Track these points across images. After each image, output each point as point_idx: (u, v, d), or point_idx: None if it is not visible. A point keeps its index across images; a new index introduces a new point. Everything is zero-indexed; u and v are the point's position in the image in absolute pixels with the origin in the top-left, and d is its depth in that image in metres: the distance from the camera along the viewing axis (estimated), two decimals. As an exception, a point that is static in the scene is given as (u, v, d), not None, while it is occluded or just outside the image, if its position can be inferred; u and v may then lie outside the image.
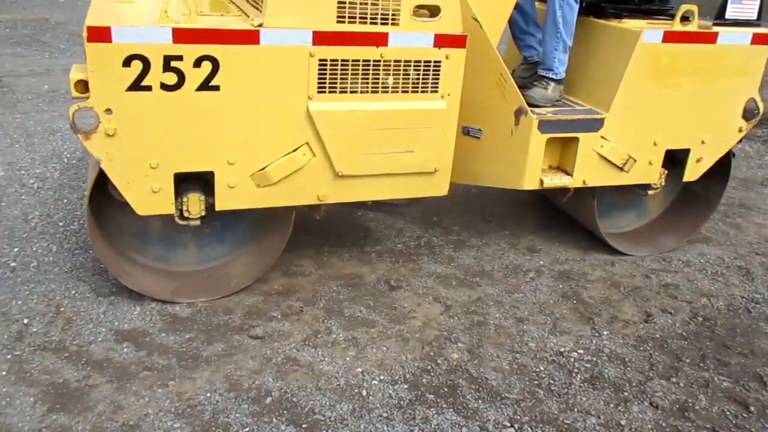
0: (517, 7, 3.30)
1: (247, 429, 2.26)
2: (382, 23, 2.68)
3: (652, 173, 3.40)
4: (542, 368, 2.69)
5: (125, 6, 2.70)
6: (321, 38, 2.60)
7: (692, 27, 3.19)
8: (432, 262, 3.44)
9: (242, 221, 3.07)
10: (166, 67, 2.44)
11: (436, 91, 2.86)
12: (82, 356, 2.55)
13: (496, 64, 3.00)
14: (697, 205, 3.80)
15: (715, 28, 3.25)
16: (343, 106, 2.73)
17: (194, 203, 2.75)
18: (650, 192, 3.54)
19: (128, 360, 2.55)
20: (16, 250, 3.22)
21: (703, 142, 3.43)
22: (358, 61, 2.69)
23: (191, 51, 2.45)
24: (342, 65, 2.67)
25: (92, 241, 2.74)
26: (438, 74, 2.83)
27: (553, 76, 3.29)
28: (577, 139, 3.16)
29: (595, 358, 2.78)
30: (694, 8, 3.21)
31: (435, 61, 2.80)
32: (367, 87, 2.75)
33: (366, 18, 2.65)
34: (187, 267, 3.05)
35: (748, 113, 3.47)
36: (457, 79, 2.87)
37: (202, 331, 2.75)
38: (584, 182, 3.28)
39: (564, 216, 3.85)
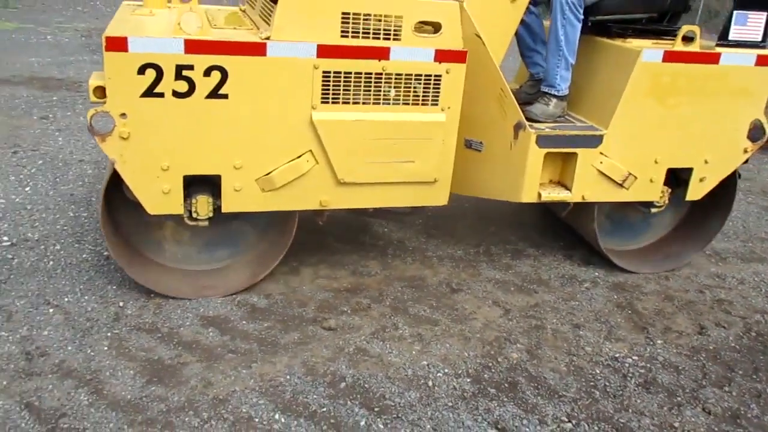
0: (525, 25, 3.45)
1: (324, 409, 2.46)
2: (384, 38, 2.82)
3: (654, 191, 3.44)
4: (598, 371, 2.83)
5: (146, 18, 2.92)
6: (325, 51, 2.75)
7: (694, 47, 3.22)
8: (491, 269, 3.61)
9: (251, 224, 3.22)
10: (178, 76, 2.61)
11: (437, 104, 2.98)
12: (173, 337, 2.80)
13: (497, 79, 3.09)
14: (702, 226, 3.80)
15: (718, 49, 3.28)
16: (345, 116, 2.86)
17: (203, 205, 2.90)
18: (653, 210, 3.58)
19: (214, 343, 2.79)
20: (104, 242, 3.51)
21: (706, 162, 3.43)
22: (361, 73, 2.83)
23: (201, 61, 2.61)
24: (345, 77, 2.81)
25: (104, 233, 2.88)
26: (438, 88, 2.95)
27: (556, 93, 3.37)
28: (575, 154, 3.22)
29: (649, 365, 2.90)
30: (696, 29, 3.24)
31: (436, 75, 2.93)
32: (369, 98, 2.89)
33: (369, 33, 2.80)
34: (200, 266, 3.21)
35: (754, 134, 3.45)
36: (457, 93, 2.99)
37: (279, 321, 2.98)
38: (583, 197, 3.32)
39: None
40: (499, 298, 3.33)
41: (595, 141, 3.24)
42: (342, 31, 2.76)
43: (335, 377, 2.64)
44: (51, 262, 3.26)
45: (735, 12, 3.31)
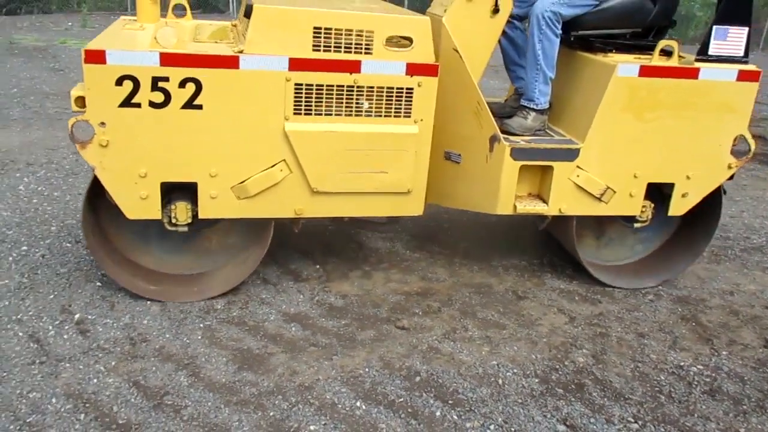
0: (509, 39, 3.54)
1: (401, 399, 2.63)
2: (356, 52, 2.90)
3: (634, 206, 3.43)
4: (663, 378, 2.91)
5: (135, 32, 3.00)
6: (296, 64, 2.84)
7: (672, 62, 3.22)
8: (555, 279, 3.73)
9: (232, 232, 3.31)
10: (154, 87, 2.72)
11: (409, 116, 3.04)
12: (259, 330, 3.02)
13: (473, 93, 3.17)
14: (687, 244, 3.77)
15: (698, 64, 3.25)
16: (317, 127, 2.94)
17: (181, 211, 3.01)
18: (637, 225, 3.57)
19: (297, 337, 3.00)
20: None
21: (688, 178, 3.40)
22: (333, 86, 2.91)
23: (176, 73, 2.72)
24: (317, 89, 2.89)
25: (85, 235, 3.03)
26: (411, 100, 3.02)
27: (534, 107, 3.40)
28: (552, 167, 3.25)
29: (714, 374, 2.97)
30: (674, 43, 3.24)
31: (407, 88, 2.99)
32: (342, 110, 2.96)
33: (340, 47, 2.89)
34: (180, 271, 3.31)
35: (738, 150, 3.40)
36: (429, 106, 3.05)
37: (355, 319, 3.17)
38: (560, 211, 3.33)
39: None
40: (564, 306, 3.45)
41: (570, 154, 3.26)
42: (314, 45, 2.86)
43: (410, 372, 2.81)
44: (145, 260, 3.55)
45: (714, 27, 3.28)
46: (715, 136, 3.37)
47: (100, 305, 3.10)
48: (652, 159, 3.34)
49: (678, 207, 3.49)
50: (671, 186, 3.43)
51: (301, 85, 2.87)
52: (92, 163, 2.80)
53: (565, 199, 3.31)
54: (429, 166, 3.36)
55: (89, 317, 3.00)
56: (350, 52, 2.90)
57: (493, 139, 3.21)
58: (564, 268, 3.86)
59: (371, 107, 2.98)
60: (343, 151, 3.00)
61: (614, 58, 3.28)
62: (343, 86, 2.92)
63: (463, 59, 3.13)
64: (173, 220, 3.04)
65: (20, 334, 2.84)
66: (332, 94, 2.93)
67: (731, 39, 3.29)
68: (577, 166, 3.27)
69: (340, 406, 2.56)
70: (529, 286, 3.62)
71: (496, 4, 3.20)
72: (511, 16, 3.37)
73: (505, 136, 3.26)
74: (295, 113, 2.91)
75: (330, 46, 2.87)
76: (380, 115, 3.02)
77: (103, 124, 2.73)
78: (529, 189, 3.38)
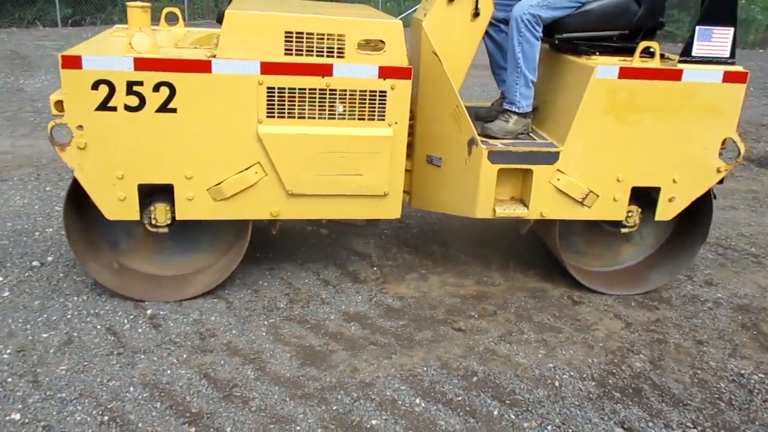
0: (495, 43, 3.51)
1: (459, 398, 2.70)
2: (328, 55, 2.93)
3: (618, 210, 3.36)
4: (722, 385, 2.90)
5: (122, 39, 3.01)
6: (268, 68, 2.87)
7: (654, 63, 3.16)
8: (611, 285, 3.73)
9: (209, 233, 3.35)
10: (129, 91, 2.79)
11: (383, 119, 3.05)
12: (320, 329, 3.13)
13: (452, 96, 3.18)
14: (678, 250, 3.68)
15: (681, 65, 3.18)
16: (290, 130, 2.97)
17: (161, 212, 3.07)
18: (624, 230, 3.50)
19: (356, 335, 3.09)
20: (255, 243, 3.93)
21: (674, 181, 3.33)
22: (305, 89, 2.94)
23: (150, 77, 2.79)
24: (289, 93, 2.93)
25: (68, 236, 3.09)
26: (384, 103, 3.03)
27: (516, 110, 3.37)
28: (531, 171, 3.23)
29: (776, 383, 2.94)
30: (656, 44, 3.17)
31: (381, 91, 3.00)
32: (314, 113, 2.99)
33: (312, 51, 2.91)
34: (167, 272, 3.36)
35: (727, 154, 3.32)
36: (403, 109, 3.05)
37: (412, 320, 3.25)
38: (542, 215, 3.30)
39: (742, 254, 3.95)
40: (620, 312, 3.45)
41: (550, 158, 3.22)
42: (286, 49, 2.89)
43: (467, 372, 2.87)
44: (211, 260, 3.71)
45: (697, 27, 3.19)
46: (701, 139, 3.28)
47: (170, 302, 3.26)
48: (636, 162, 3.28)
49: (665, 212, 3.41)
50: (657, 190, 3.36)
51: (274, 88, 2.91)
52: (71, 165, 2.88)
53: (546, 203, 3.29)
54: (412, 170, 3.45)
55: (160, 313, 3.16)
56: (322, 55, 2.93)
57: (471, 143, 3.22)
58: (620, 274, 3.86)
59: (345, 110, 3.01)
60: (317, 153, 3.03)
61: (597, 60, 3.23)
62: (315, 89, 2.95)
63: (441, 62, 3.16)
64: (153, 222, 3.10)
65: (98, 327, 3.02)
66: (305, 98, 2.96)
67: (716, 39, 3.19)
68: (558, 170, 3.24)
69: (399, 402, 2.64)
70: (584, 291, 3.63)
71: (476, 8, 3.22)
72: (496, 20, 3.39)
73: (484, 139, 3.26)
74: (268, 116, 2.95)
75: (302, 50, 2.91)
76: (354, 118, 3.03)
77: (80, 127, 2.82)
78: (512, 193, 3.37)
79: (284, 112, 2.96)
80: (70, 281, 3.37)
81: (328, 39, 2.91)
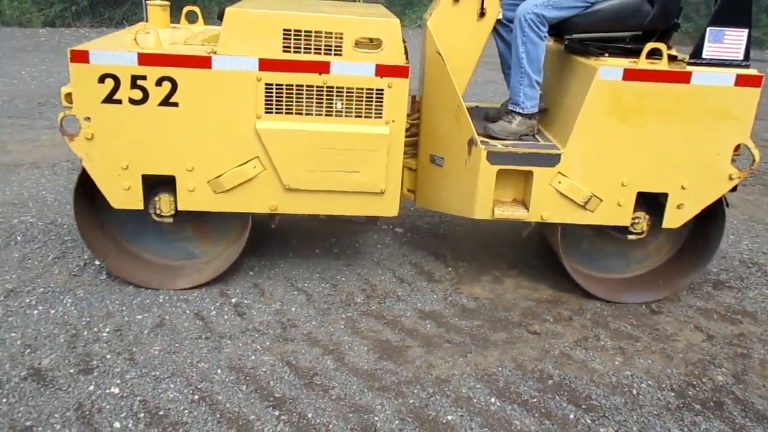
0: (505, 43, 3.42)
1: (535, 399, 2.71)
2: (325, 53, 2.96)
3: (623, 215, 3.26)
4: (811, 404, 2.80)
5: (139, 36, 3.03)
6: (266, 65, 2.93)
7: (662, 65, 3.05)
8: (691, 296, 3.64)
9: (220, 225, 3.42)
10: (133, 85, 2.89)
11: (380, 117, 3.06)
12: (397, 325, 3.20)
13: (454, 95, 3.16)
14: (689, 259, 3.55)
15: (690, 68, 3.06)
16: (288, 126, 3.01)
17: (165, 203, 3.16)
18: (631, 237, 3.38)
19: (432, 333, 3.15)
20: (333, 239, 4.05)
21: (683, 188, 3.20)
22: (302, 86, 2.98)
23: (153, 72, 2.89)
24: (287, 89, 2.98)
25: (78, 225, 3.21)
26: (381, 101, 3.03)
27: (520, 111, 3.31)
28: (531, 172, 3.17)
29: None
30: (663, 46, 3.06)
31: (377, 89, 3.01)
32: (312, 109, 3.02)
33: (310, 48, 2.95)
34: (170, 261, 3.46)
35: (740, 160, 3.18)
36: (400, 107, 3.05)
37: (487, 321, 3.28)
38: (542, 218, 3.23)
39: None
40: (702, 323, 3.37)
41: (551, 160, 3.16)
42: (284, 47, 2.95)
43: (543, 374, 2.88)
44: (291, 253, 3.84)
45: (708, 28, 3.06)
46: (711, 145, 3.16)
47: (253, 292, 3.41)
48: (642, 167, 3.18)
49: (673, 219, 3.29)
50: (665, 196, 3.26)
51: (272, 84, 2.97)
52: (80, 155, 3.01)
53: (546, 206, 3.23)
54: (417, 170, 3.46)
55: (244, 301, 3.30)
56: (320, 53, 2.97)
57: (471, 143, 3.20)
58: (701, 285, 3.77)
59: (342, 107, 3.03)
60: (314, 149, 3.06)
61: (601, 61, 3.16)
62: (312, 86, 2.99)
63: (444, 62, 3.16)
64: (158, 212, 3.21)
65: (187, 311, 3.18)
66: (302, 94, 3.00)
67: (728, 41, 3.07)
68: (559, 172, 3.17)
69: (475, 400, 2.68)
70: (663, 301, 3.56)
71: (482, 8, 3.20)
72: (507, 20, 3.35)
73: (485, 139, 3.23)
74: (266, 112, 3.00)
75: (300, 48, 2.96)
76: (351, 116, 3.06)
77: (88, 118, 2.94)
78: (514, 195, 3.33)
79: (282, 109, 3.01)
80: (161, 268, 3.56)
81: (326, 37, 2.96)
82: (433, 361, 2.92)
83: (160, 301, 3.25)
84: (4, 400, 2.50)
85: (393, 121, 3.08)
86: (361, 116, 3.06)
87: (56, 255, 3.58)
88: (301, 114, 3.03)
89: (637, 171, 3.19)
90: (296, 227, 4.16)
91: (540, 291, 3.61)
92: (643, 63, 3.07)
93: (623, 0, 3.24)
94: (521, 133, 3.33)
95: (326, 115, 3.04)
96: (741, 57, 3.09)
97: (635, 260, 3.64)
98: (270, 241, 3.96)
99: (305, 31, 2.94)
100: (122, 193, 3.08)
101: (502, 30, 3.48)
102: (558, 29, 3.32)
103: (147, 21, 3.69)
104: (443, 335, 3.13)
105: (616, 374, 2.91)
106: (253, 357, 2.86)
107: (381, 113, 3.06)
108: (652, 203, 3.31)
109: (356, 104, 3.04)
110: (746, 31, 3.05)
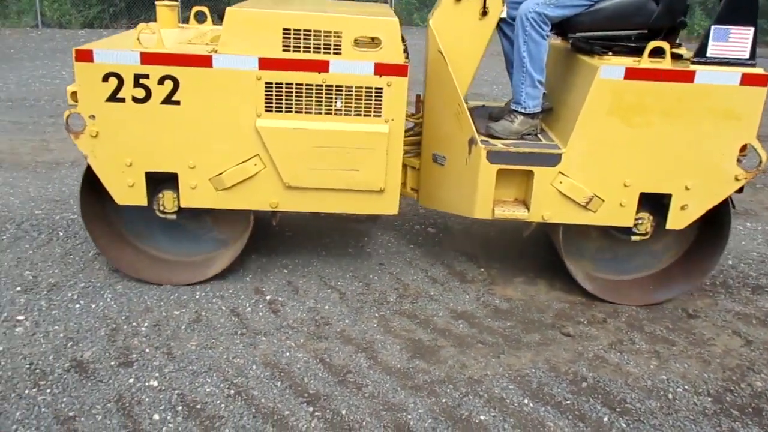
0: (511, 42, 3.37)
1: (568, 402, 2.70)
2: (324, 52, 2.98)
3: (626, 216, 3.22)
4: None
5: (145, 36, 3.04)
6: (266, 64, 2.95)
7: (665, 64, 2.99)
8: (729, 301, 3.58)
9: (221, 222, 3.44)
10: (136, 84, 2.94)
11: (380, 116, 3.06)
12: (429, 324, 3.21)
13: (455, 94, 3.15)
14: (694, 262, 3.49)
15: (693, 67, 3.00)
16: (288, 124, 3.03)
17: (168, 200, 3.22)
18: (634, 238, 3.34)
19: (464, 333, 3.15)
20: (366, 239, 4.08)
21: (687, 188, 3.15)
22: (302, 84, 3.00)
23: (156, 71, 2.93)
24: (287, 88, 3.00)
25: (84, 222, 3.28)
26: (380, 100, 3.04)
27: (522, 110, 3.28)
28: (532, 172, 3.14)
29: None
30: (666, 45, 3.00)
31: (377, 88, 3.02)
32: (311, 108, 3.04)
33: (309, 47, 2.97)
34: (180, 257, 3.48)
35: (746, 161, 3.10)
36: (399, 106, 3.05)
37: (520, 322, 3.27)
38: (543, 218, 3.21)
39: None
40: (740, 329, 3.32)
41: (551, 159, 3.13)
42: (284, 46, 2.97)
43: (576, 377, 2.86)
44: (324, 252, 3.88)
45: (713, 27, 3.01)
46: (716, 145, 3.10)
47: (287, 289, 3.45)
48: (644, 167, 3.14)
49: (677, 220, 3.24)
50: (669, 197, 3.21)
51: (272, 83, 2.99)
52: (85, 152, 3.06)
53: (548, 206, 3.21)
54: (420, 169, 3.47)
55: (279, 299, 3.35)
56: (319, 52, 2.99)
57: (471, 142, 3.19)
58: (739, 289, 3.71)
59: (342, 106, 3.05)
60: (313, 148, 3.08)
61: (604, 60, 3.12)
62: (312, 85, 3.01)
63: (446, 61, 3.16)
64: (162, 208, 3.26)
65: (223, 308, 3.24)
66: (302, 93, 3.02)
67: (734, 40, 3.01)
68: (560, 172, 3.15)
69: (508, 401, 2.68)
70: (700, 305, 3.51)
71: (485, 7, 3.18)
72: (512, 18, 3.31)
73: (486, 139, 3.22)
74: (266, 110, 3.03)
75: (299, 47, 2.98)
76: (350, 114, 3.07)
77: (92, 116, 2.99)
78: (516, 194, 3.32)
79: (282, 107, 3.04)
80: (197, 265, 3.62)
81: (325, 36, 2.97)
82: (466, 361, 2.92)
83: (197, 297, 3.31)
84: (48, 390, 2.58)
85: (392, 119, 3.09)
86: (360, 115, 3.07)
87: (97, 251, 3.66)
88: (301, 112, 3.06)
89: (640, 171, 3.16)
90: (329, 227, 4.20)
91: (573, 293, 3.58)
92: (645, 62, 3.04)
93: None
94: (523, 132, 3.32)
95: (326, 113, 3.07)
96: (747, 55, 3.04)
97: (640, 260, 3.59)
98: (303, 239, 4.00)
99: (304, 30, 2.97)
100: (126, 189, 3.13)
101: (506, 29, 3.47)
102: (561, 28, 3.31)
103: (157, 21, 3.76)
104: (476, 335, 3.13)
105: (652, 378, 2.87)
106: (287, 353, 2.90)
107: (380, 112, 3.07)
108: (656, 204, 3.28)
109: (355, 103, 3.06)
110: (752, 29, 3.02)
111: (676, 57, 3.15)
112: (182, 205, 3.22)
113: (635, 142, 3.11)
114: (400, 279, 3.62)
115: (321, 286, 3.49)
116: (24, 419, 2.43)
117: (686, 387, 2.83)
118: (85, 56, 2.93)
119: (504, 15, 3.30)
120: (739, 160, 3.15)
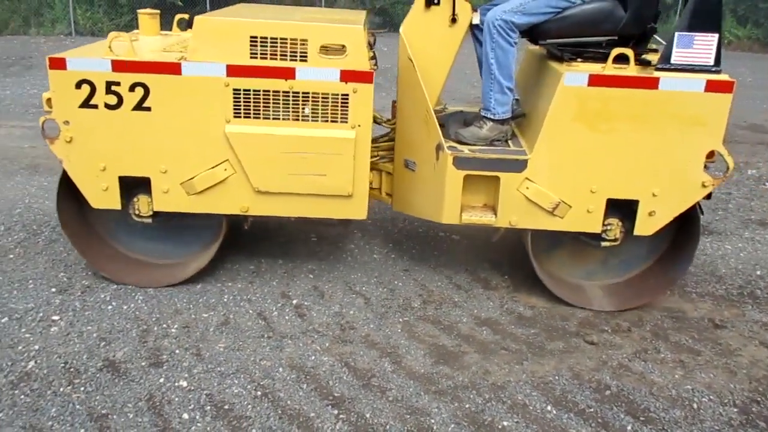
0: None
1: (591, 410, 2.70)
2: (291, 59, 3.04)
3: (593, 222, 3.24)
4: None
5: (122, 44, 3.12)
6: (234, 71, 3.02)
7: (629, 71, 2.99)
8: (757, 311, 3.55)
9: (195, 226, 3.49)
10: (108, 90, 3.02)
11: (346, 122, 3.11)
12: (453, 330, 3.24)
13: (423, 101, 3.20)
14: (664, 267, 3.49)
15: (658, 73, 3.01)
16: (256, 130, 3.09)
17: (143, 204, 3.30)
18: (604, 244, 3.36)
19: (488, 340, 3.17)
20: (391, 245, 4.12)
21: (654, 195, 3.16)
22: (269, 91, 3.06)
23: (126, 78, 3.01)
24: (254, 94, 3.06)
25: (62, 226, 3.35)
26: (347, 106, 3.08)
27: (491, 116, 3.30)
28: (498, 178, 3.17)
29: None
30: (630, 51, 3.00)
31: (343, 95, 3.07)
32: (279, 114, 3.10)
33: (276, 55, 3.04)
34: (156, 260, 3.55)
35: (713, 167, 3.12)
36: (366, 112, 3.10)
37: (544, 330, 3.28)
38: (510, 223, 3.24)
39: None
40: (767, 339, 3.29)
41: (517, 165, 3.16)
42: (251, 53, 3.04)
43: (600, 385, 2.86)
44: (349, 258, 3.93)
45: (677, 33, 3.01)
46: (682, 152, 3.11)
47: (313, 294, 3.50)
48: (611, 173, 3.16)
49: (645, 226, 3.25)
50: (637, 203, 3.22)
51: (239, 90, 3.06)
52: (60, 157, 3.15)
53: (515, 211, 3.25)
54: (394, 174, 3.55)
55: (305, 303, 3.40)
56: (286, 59, 3.05)
57: (438, 148, 3.23)
58: (767, 300, 3.67)
59: (309, 112, 3.11)
60: (281, 153, 3.13)
61: (573, 67, 3.14)
62: (279, 92, 3.08)
63: (415, 68, 3.22)
64: (137, 212, 3.34)
65: (250, 311, 3.30)
66: (269, 99, 3.09)
67: (698, 46, 3.02)
68: (526, 178, 3.18)
69: (531, 407, 2.70)
70: (726, 315, 3.49)
71: (454, 14, 3.24)
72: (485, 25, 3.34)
73: (453, 145, 3.27)
74: (235, 116, 3.10)
75: (266, 54, 3.05)
76: (317, 120, 3.13)
77: (66, 122, 3.08)
78: (485, 200, 3.34)
79: (250, 113, 3.11)
80: (226, 268, 3.70)
81: (291, 43, 3.04)
82: (489, 368, 2.95)
83: (225, 300, 3.38)
84: (82, 388, 2.66)
85: (359, 125, 3.14)
86: (327, 121, 3.14)
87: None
88: (269, 118, 3.13)
89: (606, 177, 3.18)
90: (354, 233, 4.25)
91: (598, 301, 3.58)
92: (609, 69, 3.06)
93: (595, 5, 3.24)
94: (492, 138, 3.36)
95: (293, 119, 3.13)
96: (711, 62, 3.05)
97: (612, 265, 3.60)
98: (329, 245, 4.06)
99: (271, 38, 3.04)
100: (101, 193, 3.21)
101: (479, 34, 3.48)
102: (531, 35, 3.34)
103: (138, 29, 3.91)
104: (499, 342, 3.15)
105: (676, 387, 2.87)
106: (313, 357, 2.95)
107: (347, 118, 3.13)
108: (625, 210, 3.29)
109: (322, 109, 3.12)
110: (717, 36, 3.02)
111: (644, 63, 3.18)
112: (156, 209, 3.30)
113: (601, 148, 3.13)
114: (425, 285, 3.66)
115: (346, 291, 3.53)
116: (59, 416, 2.51)
117: (711, 397, 2.82)
118: (59, 64, 3.02)
119: (476, 21, 3.36)
120: (706, 167, 3.17)
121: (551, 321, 3.36)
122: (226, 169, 3.18)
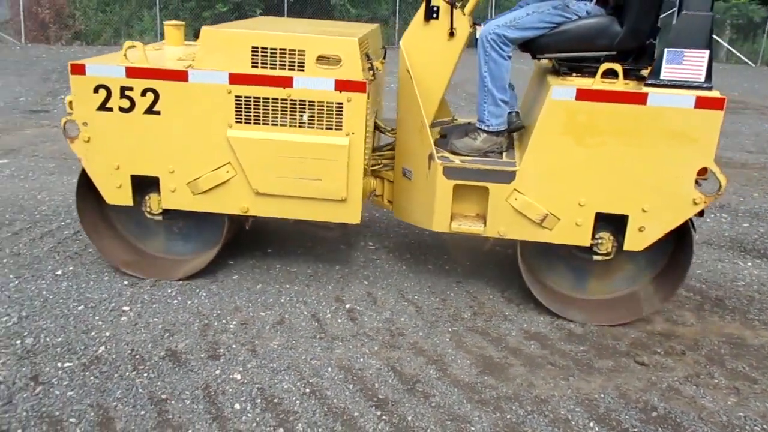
0: None
1: (636, 429, 2.68)
2: (289, 69, 3.19)
3: (582, 235, 3.24)
4: None
5: (150, 53, 3.35)
6: (236, 79, 3.19)
7: (618, 86, 2.99)
8: (823, 342, 3.41)
9: (202, 226, 3.64)
10: (122, 95, 3.23)
11: (341, 129, 3.23)
12: (501, 342, 3.27)
13: (418, 112, 3.30)
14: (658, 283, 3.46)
15: (646, 89, 2.99)
16: (256, 135, 3.26)
17: (154, 202, 3.51)
18: (596, 258, 3.36)
19: (535, 354, 3.19)
20: (445, 257, 4.18)
21: (644, 210, 3.13)
22: (268, 98, 3.21)
23: (139, 84, 3.21)
24: (255, 101, 3.22)
25: (80, 217, 3.57)
26: (341, 114, 3.20)
27: (485, 128, 3.36)
28: (487, 188, 3.22)
29: None
30: (618, 67, 3.00)
31: (337, 103, 3.19)
32: (277, 120, 3.25)
33: (276, 64, 3.19)
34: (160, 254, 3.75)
35: (704, 185, 3.05)
36: (359, 120, 3.21)
37: (593, 348, 3.27)
38: (499, 233, 3.28)
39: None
40: (832, 372, 3.16)
41: (505, 176, 3.21)
42: (252, 62, 3.20)
43: (647, 406, 2.83)
44: (404, 267, 4.02)
45: (666, 50, 2.97)
46: (671, 168, 3.09)
47: (366, 299, 3.61)
48: (599, 187, 3.17)
49: (635, 242, 3.23)
50: (627, 218, 3.20)
51: (241, 97, 3.23)
52: (79, 155, 3.38)
53: (503, 221, 3.30)
54: (394, 182, 3.67)
55: (357, 308, 3.51)
56: (284, 68, 3.21)
57: (430, 157, 3.32)
58: (836, 332, 3.52)
59: (307, 119, 3.24)
60: (279, 157, 3.29)
61: (564, 81, 3.17)
62: (278, 99, 3.23)
63: (412, 80, 3.34)
64: (149, 210, 3.55)
65: (305, 313, 3.44)
66: (269, 106, 3.24)
67: (688, 63, 2.99)
68: (515, 189, 3.22)
69: (573, 423, 2.70)
70: (789, 344, 3.37)
71: (452, 28, 3.30)
72: (479, 39, 3.35)
73: (445, 155, 3.35)
74: (236, 121, 3.27)
75: (266, 64, 3.21)
76: (313, 127, 3.26)
77: (85, 123, 3.31)
78: (477, 210, 3.40)
79: (250, 119, 3.27)
80: (285, 271, 3.86)
81: (290, 54, 3.19)
82: (534, 381, 2.96)
83: (282, 301, 3.53)
84: (146, 374, 2.85)
85: (353, 133, 3.26)
86: (322, 128, 3.27)
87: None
88: (268, 124, 3.29)
89: (595, 191, 3.19)
90: (410, 244, 4.34)
91: (653, 323, 3.53)
92: (597, 83, 3.08)
93: (591, 21, 3.26)
94: (485, 149, 3.41)
95: (290, 125, 3.29)
96: (702, 79, 3.02)
97: (604, 281, 3.58)
98: (384, 254, 4.17)
99: (271, 49, 3.20)
100: (115, 190, 3.45)
101: None
102: (528, 49, 3.36)
103: (164, 40, 4.20)
104: (547, 357, 3.16)
105: (728, 414, 2.80)
106: (361, 359, 3.05)
107: (341, 125, 3.26)
108: (618, 225, 3.27)
109: (318, 116, 3.26)
110: (707, 52, 2.99)
111: (641, 79, 3.16)
112: (164, 207, 3.51)
113: (590, 162, 3.14)
114: (476, 297, 3.70)
115: (398, 299, 3.62)
116: (123, 397, 2.70)
117: (765, 427, 2.74)
118: (79, 70, 3.27)
119: (478, 35, 3.41)
120: (699, 184, 3.11)
121: (602, 339, 3.34)
122: (228, 171, 3.37)
